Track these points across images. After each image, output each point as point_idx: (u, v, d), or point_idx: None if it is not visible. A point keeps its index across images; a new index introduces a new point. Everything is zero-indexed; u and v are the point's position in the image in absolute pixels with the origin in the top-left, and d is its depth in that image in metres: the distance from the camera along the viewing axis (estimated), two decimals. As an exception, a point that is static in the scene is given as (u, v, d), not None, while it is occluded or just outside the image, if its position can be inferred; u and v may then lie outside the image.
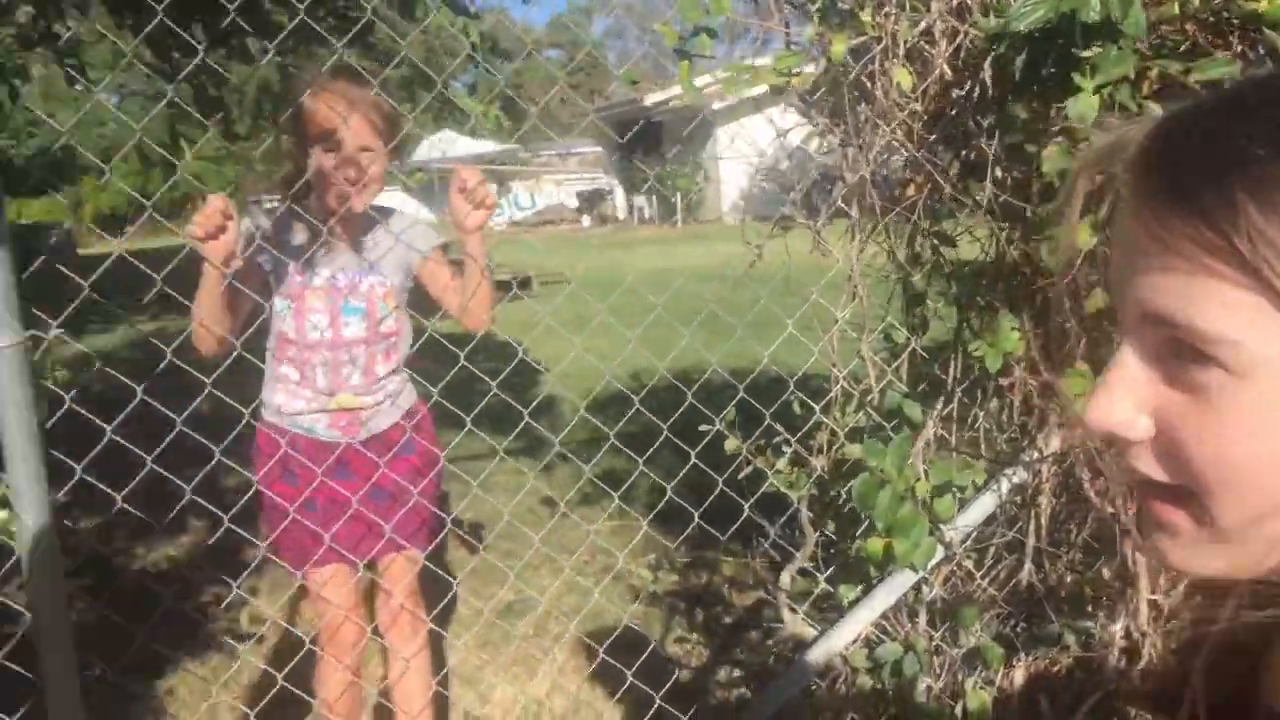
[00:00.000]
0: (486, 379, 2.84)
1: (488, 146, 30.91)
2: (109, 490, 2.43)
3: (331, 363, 2.88)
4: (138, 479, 2.48)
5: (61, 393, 2.40)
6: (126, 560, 5.29)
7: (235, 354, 2.68)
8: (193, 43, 5.46)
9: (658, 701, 3.13)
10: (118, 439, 2.33)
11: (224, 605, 4.59)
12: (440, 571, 3.56)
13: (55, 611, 2.35)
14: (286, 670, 2.80)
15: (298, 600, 4.33)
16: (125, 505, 2.45)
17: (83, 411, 2.36)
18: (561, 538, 5.25)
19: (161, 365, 2.37)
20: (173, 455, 2.48)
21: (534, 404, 3.58)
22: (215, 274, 2.57)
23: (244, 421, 2.83)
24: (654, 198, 33.17)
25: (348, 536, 2.95)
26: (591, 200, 36.45)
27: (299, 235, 2.86)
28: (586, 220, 35.52)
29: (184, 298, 2.62)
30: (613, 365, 6.15)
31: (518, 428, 3.14)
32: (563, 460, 6.05)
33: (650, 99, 28.81)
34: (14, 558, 2.36)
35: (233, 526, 2.64)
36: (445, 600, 3.81)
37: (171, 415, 2.46)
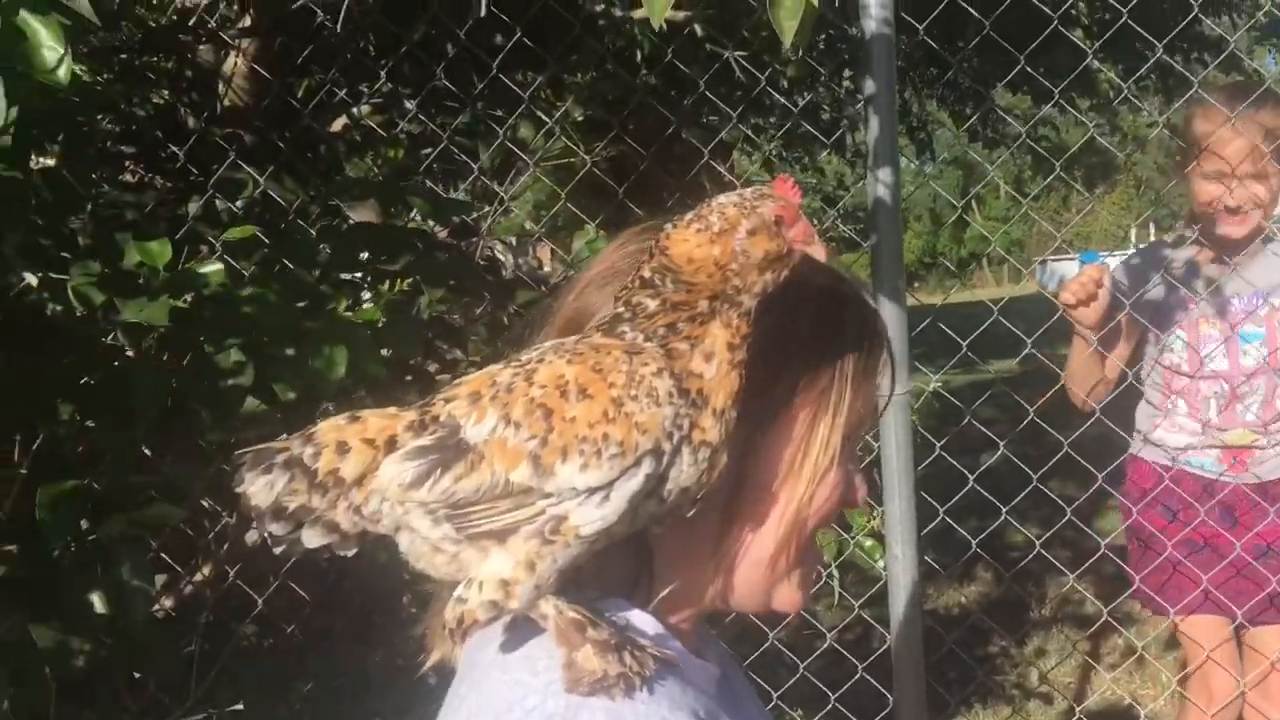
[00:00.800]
0: None
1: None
2: (962, 530, 2.64)
3: (1226, 395, 2.81)
4: (990, 529, 2.65)
5: (932, 439, 2.66)
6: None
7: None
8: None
9: None
10: (978, 488, 2.53)
11: (1007, 657, 4.67)
12: None
13: (910, 637, 2.60)
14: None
15: (1087, 667, 4.26)
16: (979, 551, 2.64)
17: (948, 458, 2.59)
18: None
19: (1021, 425, 2.52)
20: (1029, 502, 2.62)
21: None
22: (1084, 338, 2.67)
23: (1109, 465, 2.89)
24: None
25: (1227, 586, 2.81)
26: None
27: (1182, 267, 2.84)
28: None
29: (978, 356, 2.73)
30: None
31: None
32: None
33: None
34: (879, 583, 2.67)
35: (1013, 583, 2.70)
36: None
37: (1029, 471, 2.59)
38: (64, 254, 2.23)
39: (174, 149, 2.90)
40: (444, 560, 0.95)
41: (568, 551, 0.92)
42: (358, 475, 0.94)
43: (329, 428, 0.97)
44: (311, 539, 0.96)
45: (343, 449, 0.95)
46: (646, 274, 0.97)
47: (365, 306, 2.11)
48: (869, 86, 2.45)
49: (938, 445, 2.61)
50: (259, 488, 0.95)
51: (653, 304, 0.96)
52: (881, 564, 2.70)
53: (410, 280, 2.04)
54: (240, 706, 2.22)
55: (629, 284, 0.98)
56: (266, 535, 0.97)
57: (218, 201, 2.86)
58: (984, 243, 33.33)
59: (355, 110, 3.25)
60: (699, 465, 0.94)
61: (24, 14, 1.44)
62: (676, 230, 0.97)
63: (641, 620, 1.03)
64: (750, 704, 1.23)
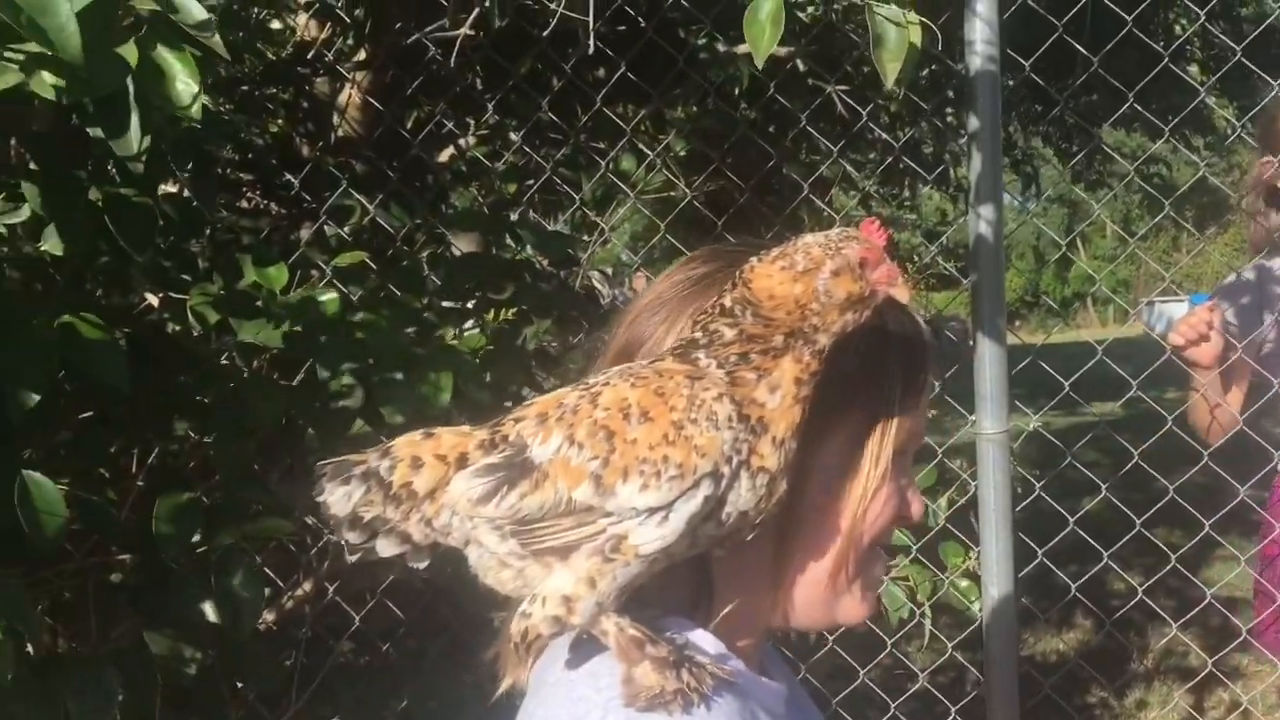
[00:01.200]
0: None
1: None
2: (1062, 575, 2.59)
3: None
4: (1090, 574, 2.60)
5: (1032, 479, 2.62)
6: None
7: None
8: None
9: None
10: (1080, 531, 2.48)
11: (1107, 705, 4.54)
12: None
13: (1005, 682, 2.55)
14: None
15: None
16: (1078, 596, 2.58)
17: (1048, 499, 2.54)
18: None
19: (1124, 469, 2.47)
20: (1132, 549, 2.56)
21: None
22: (1201, 377, 2.61)
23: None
24: None
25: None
26: None
27: None
28: None
29: (1081, 397, 2.67)
30: None
31: None
32: None
33: None
34: (974, 625, 2.63)
35: (1114, 631, 2.62)
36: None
37: (1132, 515, 2.53)
38: (185, 275, 2.33)
39: (289, 176, 3.00)
40: (510, 575, 0.98)
41: (628, 570, 0.94)
42: (430, 489, 0.98)
43: (405, 443, 1.01)
44: (385, 548, 1.01)
45: (416, 464, 0.99)
46: (728, 303, 0.99)
47: (471, 333, 2.15)
48: (973, 123, 2.43)
49: (1038, 486, 2.57)
50: (338, 498, 1.01)
51: (730, 333, 0.98)
52: (977, 605, 2.66)
53: (514, 309, 2.09)
54: (336, 721, 2.27)
55: (709, 309, 1.01)
56: (343, 543, 1.02)
57: (327, 228, 2.95)
58: (1089, 282, 32.61)
59: (462, 141, 3.33)
60: (757, 491, 0.96)
61: (161, 49, 1.52)
62: (761, 265, 0.99)
63: (703, 639, 1.05)
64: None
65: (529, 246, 2.32)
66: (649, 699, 0.93)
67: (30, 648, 1.55)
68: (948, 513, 2.72)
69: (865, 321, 1.03)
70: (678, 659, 0.96)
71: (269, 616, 2.58)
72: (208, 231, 2.85)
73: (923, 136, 5.91)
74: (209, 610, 1.79)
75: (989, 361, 2.47)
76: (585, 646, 1.02)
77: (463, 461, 0.98)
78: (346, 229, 2.94)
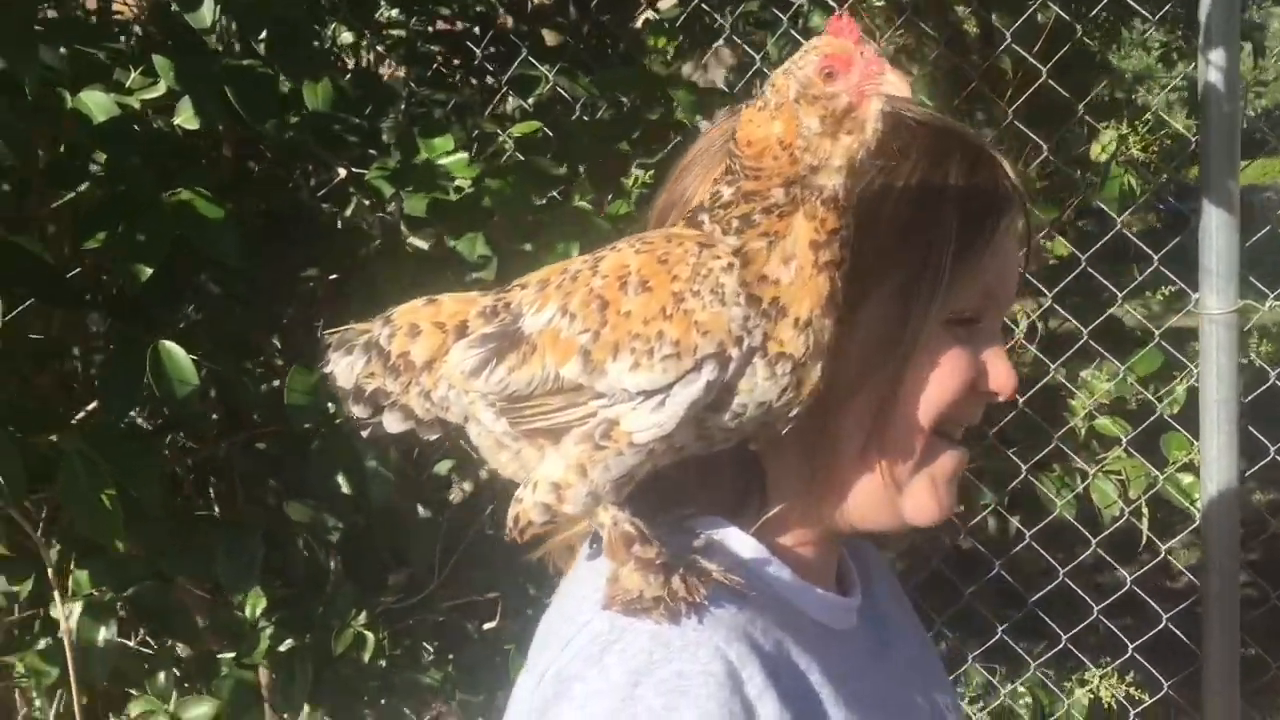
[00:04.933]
0: None
1: None
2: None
3: None
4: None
5: (1266, 366, 2.29)
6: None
7: None
8: None
9: None
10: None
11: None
12: None
13: (1224, 589, 2.27)
14: None
15: None
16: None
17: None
18: None
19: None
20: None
21: None
22: None
23: None
24: None
25: None
26: None
27: None
28: None
29: None
30: None
31: None
32: None
33: None
34: (1193, 524, 2.36)
35: None
36: None
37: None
38: (371, 150, 2.33)
39: (472, 46, 2.96)
40: (508, 457, 0.90)
41: (622, 460, 0.83)
42: (427, 359, 0.90)
43: (405, 310, 0.94)
44: (391, 424, 0.94)
45: (414, 332, 0.91)
46: (730, 162, 0.85)
47: (617, 202, 2.05)
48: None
49: (1272, 374, 2.24)
50: (342, 369, 0.95)
51: (728, 192, 0.84)
52: (1197, 504, 2.38)
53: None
54: (495, 594, 2.29)
55: (721, 173, 0.87)
56: (351, 417, 0.96)
57: (511, 100, 2.91)
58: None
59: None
60: (779, 380, 0.81)
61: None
62: (746, 111, 0.85)
63: (737, 541, 0.93)
64: (901, 641, 1.10)
65: (683, 108, 2.16)
66: (625, 603, 0.83)
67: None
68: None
69: (903, 157, 0.89)
70: (668, 563, 0.84)
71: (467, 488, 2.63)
72: (402, 106, 2.87)
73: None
74: (343, 483, 1.81)
75: (1216, 230, 2.15)
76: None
77: (462, 330, 0.90)
78: (530, 100, 2.89)
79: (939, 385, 0.92)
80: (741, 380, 0.82)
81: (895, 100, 0.83)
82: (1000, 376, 0.95)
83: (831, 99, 0.80)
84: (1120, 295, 2.47)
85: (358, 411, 0.95)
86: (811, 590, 0.96)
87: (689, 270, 0.81)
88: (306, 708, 2.07)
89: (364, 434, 0.98)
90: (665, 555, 0.84)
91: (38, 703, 2.01)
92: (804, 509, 0.97)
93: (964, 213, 0.91)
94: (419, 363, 0.91)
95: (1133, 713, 2.56)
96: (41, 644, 1.85)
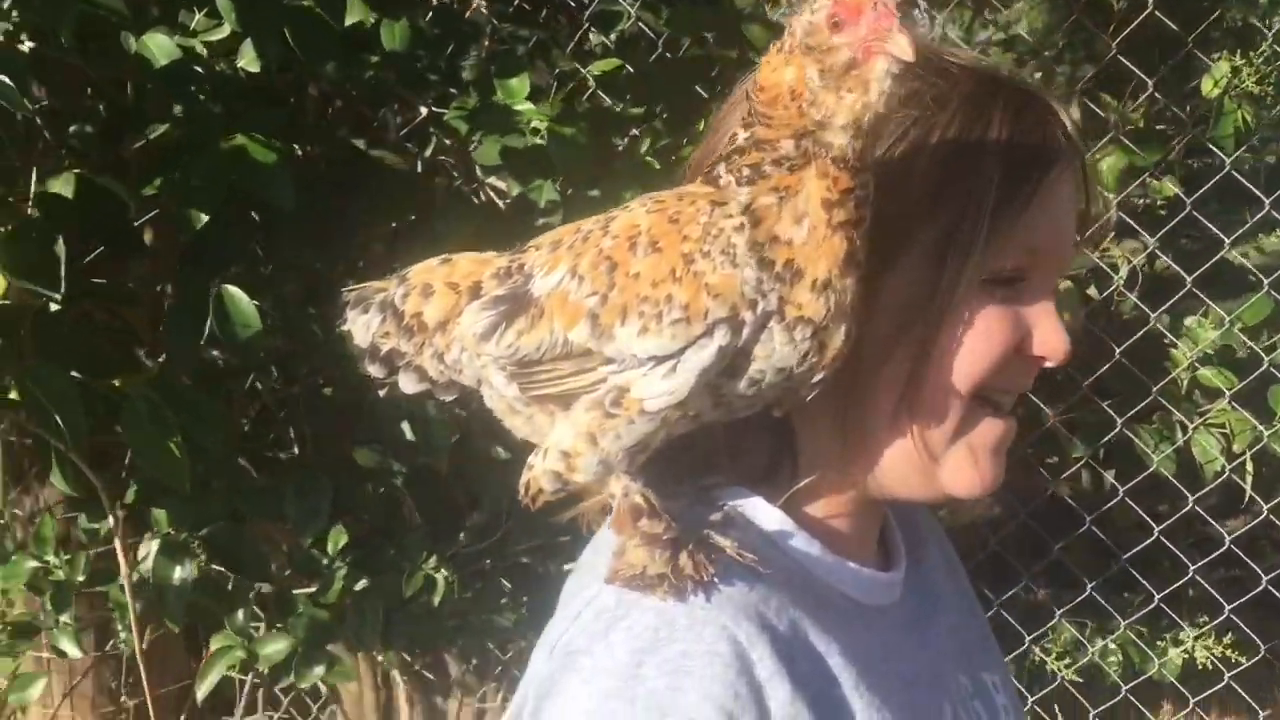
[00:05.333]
0: None
1: None
2: None
3: None
4: None
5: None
6: None
7: None
8: None
9: None
10: None
11: None
12: None
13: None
14: None
15: None
16: None
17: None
18: None
19: None
20: None
21: None
22: None
23: None
24: None
25: None
26: None
27: None
28: None
29: None
30: None
31: None
32: None
33: None
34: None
35: None
36: None
37: None
38: (452, 89, 2.31)
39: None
40: (521, 422, 0.87)
41: (633, 428, 0.79)
42: (440, 320, 0.87)
43: (420, 269, 0.91)
44: (407, 384, 0.92)
45: (427, 291, 0.88)
46: (748, 104, 0.80)
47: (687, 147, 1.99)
48: None
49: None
50: (358, 327, 0.93)
51: (742, 136, 0.79)
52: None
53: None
54: (568, 537, 2.28)
55: (741, 116, 0.82)
56: (368, 376, 0.94)
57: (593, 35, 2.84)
58: None
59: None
60: (799, 346, 0.77)
61: None
62: (766, 54, 0.79)
63: (762, 513, 0.89)
64: (945, 616, 1.04)
65: (755, 47, 2.08)
66: (627, 578, 0.80)
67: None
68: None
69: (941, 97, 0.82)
70: (676, 538, 0.81)
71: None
72: (485, 43, 2.83)
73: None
74: (406, 430, 1.82)
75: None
76: None
77: (476, 291, 0.87)
78: (612, 36, 2.82)
79: (976, 348, 0.85)
80: (758, 346, 0.77)
81: (930, 48, 0.77)
82: (1049, 340, 0.88)
83: (831, 52, 0.74)
84: (1228, 240, 2.32)
85: (374, 371, 0.93)
86: (843, 564, 0.91)
87: (700, 230, 0.77)
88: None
89: (380, 393, 0.96)
90: (675, 530, 0.81)
91: (123, 635, 2.08)
92: (837, 478, 0.92)
93: (1007, 165, 0.84)
94: (432, 324, 0.88)
95: (1228, 675, 2.46)
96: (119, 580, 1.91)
